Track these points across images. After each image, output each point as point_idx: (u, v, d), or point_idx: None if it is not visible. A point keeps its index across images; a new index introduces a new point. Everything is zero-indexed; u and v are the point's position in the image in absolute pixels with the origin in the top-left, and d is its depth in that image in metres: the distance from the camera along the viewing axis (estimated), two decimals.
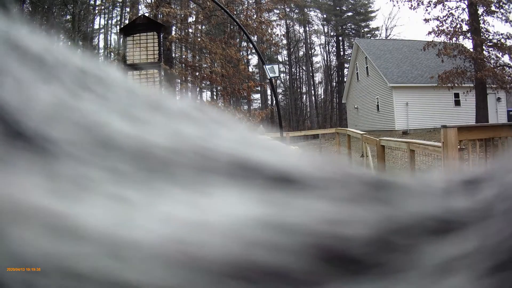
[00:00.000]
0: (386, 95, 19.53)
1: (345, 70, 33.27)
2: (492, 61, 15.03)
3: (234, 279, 0.21)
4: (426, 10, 16.06)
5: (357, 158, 6.88)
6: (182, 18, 14.29)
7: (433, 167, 4.33)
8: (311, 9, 36.44)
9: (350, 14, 36.97)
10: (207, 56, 13.61)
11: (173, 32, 14.27)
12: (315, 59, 37.29)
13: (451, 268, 0.23)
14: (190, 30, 15.88)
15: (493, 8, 15.09)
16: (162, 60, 8.27)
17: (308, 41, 36.03)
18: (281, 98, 34.50)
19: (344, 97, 26.20)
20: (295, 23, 35.84)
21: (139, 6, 16.22)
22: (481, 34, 15.11)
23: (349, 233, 0.24)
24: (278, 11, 25.99)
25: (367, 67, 21.64)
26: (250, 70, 26.41)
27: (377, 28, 36.98)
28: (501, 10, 15.16)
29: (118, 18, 26.75)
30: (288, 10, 32.46)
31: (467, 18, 15.47)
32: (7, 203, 0.21)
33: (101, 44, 28.44)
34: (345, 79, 30.19)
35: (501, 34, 15.22)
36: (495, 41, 15.15)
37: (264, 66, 9.28)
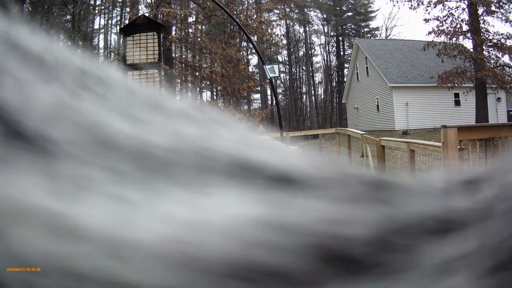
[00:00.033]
0: (386, 95, 19.53)
1: (345, 70, 33.27)
2: (492, 61, 15.03)
3: (234, 279, 0.21)
4: (426, 10, 16.07)
5: (357, 158, 6.88)
6: (182, 18, 14.29)
7: (433, 167, 4.33)
8: (311, 9, 36.46)
9: (350, 14, 36.98)
10: (207, 56, 13.61)
11: (173, 32, 14.27)
12: (315, 59, 37.34)
13: (451, 268, 0.23)
14: (190, 30, 15.89)
15: (493, 8, 15.09)
16: (162, 60, 8.27)
17: (308, 41, 36.05)
18: (281, 98, 34.51)
19: (344, 97, 26.20)
20: (295, 23, 35.86)
21: (139, 6, 16.24)
22: (481, 34, 15.11)
23: (349, 233, 0.24)
24: (278, 11, 26.01)
25: (367, 67, 21.64)
26: (250, 70, 26.42)
27: (377, 28, 37.01)
28: (501, 10, 15.17)
29: (118, 18, 26.77)
30: (288, 10, 32.46)
31: (467, 18, 15.47)
32: (7, 203, 0.21)
33: (101, 44, 28.47)
34: (345, 79, 30.20)
35: (501, 34, 15.24)
36: (495, 41, 15.16)
37: (264, 66, 9.28)
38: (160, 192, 0.24)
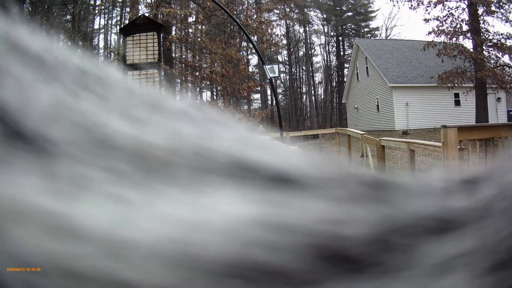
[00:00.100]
0: (386, 95, 19.53)
1: (345, 70, 33.27)
2: (492, 61, 15.04)
3: (233, 279, 0.21)
4: (426, 10, 16.09)
5: (357, 158, 6.88)
6: (182, 18, 14.29)
7: (433, 167, 4.33)
8: (311, 9, 36.47)
9: (350, 14, 36.97)
10: (207, 56, 13.61)
11: (173, 32, 14.27)
12: (315, 59, 37.35)
13: (449, 267, 0.23)
14: (190, 30, 15.89)
15: (493, 8, 15.09)
16: (162, 60, 8.27)
17: (308, 41, 36.05)
18: (281, 98, 34.51)
19: (344, 97, 26.19)
20: (295, 23, 35.86)
21: (139, 6, 16.22)
22: (481, 34, 15.12)
23: (348, 232, 0.24)
24: (278, 11, 26.04)
25: (367, 67, 21.64)
26: (250, 70, 26.42)
27: (377, 28, 37.02)
28: (501, 10, 15.17)
29: (118, 18, 26.77)
30: (288, 10, 32.45)
31: (467, 18, 15.48)
32: (7, 203, 0.21)
33: (101, 44, 28.48)
34: (345, 79, 30.19)
35: (501, 34, 15.25)
36: (495, 41, 15.16)
37: (264, 66, 9.28)
38: (159, 192, 0.24)
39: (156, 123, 0.30)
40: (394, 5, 29.53)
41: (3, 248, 0.20)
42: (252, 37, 12.28)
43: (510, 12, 15.17)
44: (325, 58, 36.43)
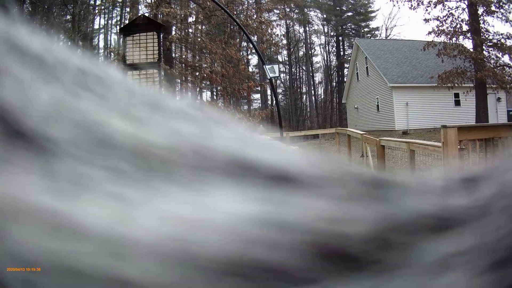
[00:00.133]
0: (386, 95, 19.53)
1: (345, 70, 33.27)
2: (492, 61, 15.04)
3: (232, 277, 0.21)
4: (426, 10, 16.08)
5: (357, 158, 6.88)
6: (182, 18, 14.29)
7: (433, 167, 4.33)
8: (311, 9, 36.47)
9: (350, 14, 36.98)
10: (207, 56, 13.61)
11: (173, 32, 14.27)
12: (315, 59, 37.35)
13: (448, 266, 0.23)
14: (190, 30, 15.89)
15: (493, 8, 15.09)
16: (162, 60, 8.28)
17: (308, 41, 36.06)
18: (281, 98, 34.51)
19: (344, 97, 26.20)
20: (295, 23, 35.87)
21: (139, 6, 16.21)
22: (481, 34, 15.12)
23: (347, 230, 0.24)
24: (278, 11, 26.03)
25: (367, 67, 21.64)
26: (250, 70, 26.42)
27: (377, 28, 37.02)
28: (501, 10, 15.17)
29: (118, 18, 26.77)
30: (288, 10, 32.46)
31: (467, 18, 15.48)
32: (8, 202, 0.22)
33: (101, 44, 28.48)
34: (345, 79, 30.20)
35: (501, 34, 15.25)
36: (495, 41, 15.16)
37: (264, 66, 9.28)
38: (159, 191, 0.24)
39: (156, 123, 0.30)
40: (394, 5, 29.59)
41: (3, 247, 0.21)
42: (252, 37, 12.28)
43: (510, 12, 15.18)
44: (325, 58, 36.48)
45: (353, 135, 8.10)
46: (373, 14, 36.94)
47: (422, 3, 16.06)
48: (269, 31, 14.25)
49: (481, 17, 15.25)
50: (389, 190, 0.28)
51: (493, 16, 15.35)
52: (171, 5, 13.36)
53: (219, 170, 0.26)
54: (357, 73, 23.26)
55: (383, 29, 37.70)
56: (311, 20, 36.42)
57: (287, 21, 34.25)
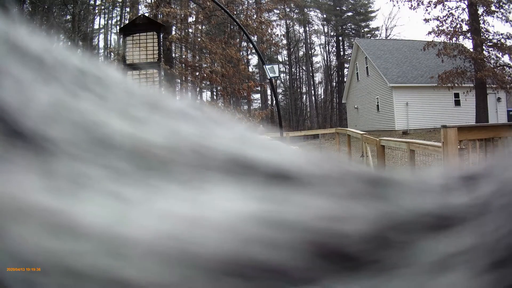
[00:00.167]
0: (386, 95, 19.53)
1: (345, 70, 33.27)
2: (492, 61, 15.04)
3: (231, 277, 0.21)
4: (426, 10, 16.09)
5: (357, 158, 6.88)
6: (182, 18, 14.29)
7: (433, 167, 4.32)
8: (311, 9, 36.47)
9: (350, 14, 36.97)
10: (207, 56, 13.61)
11: (173, 32, 14.27)
12: (315, 59, 37.35)
13: (448, 265, 0.23)
14: (190, 30, 15.89)
15: (493, 8, 15.09)
16: (162, 60, 8.27)
17: (308, 41, 36.05)
18: (281, 98, 34.51)
19: (344, 97, 26.19)
20: (295, 23, 35.86)
21: (139, 6, 16.21)
22: (481, 34, 15.12)
23: (346, 229, 0.24)
24: (278, 11, 26.02)
25: (367, 67, 21.64)
26: (250, 70, 26.41)
27: (377, 28, 37.02)
28: (501, 10, 15.17)
29: (118, 18, 26.76)
30: (288, 10, 32.46)
31: (467, 18, 15.48)
32: (7, 201, 0.22)
33: (101, 44, 28.48)
34: (345, 79, 30.19)
35: (501, 34, 15.25)
36: (495, 41, 15.16)
37: (264, 66, 9.28)
38: (158, 189, 0.24)
39: (155, 122, 0.30)
40: (394, 5, 29.62)
41: (3, 247, 0.21)
42: (252, 37, 12.28)
43: (510, 12, 15.19)
44: (325, 58, 36.47)
45: (353, 135, 8.10)
46: (373, 14, 36.97)
47: (422, 3, 16.07)
48: (269, 31, 14.25)
49: (481, 17, 15.25)
50: (389, 188, 0.27)
51: (493, 16, 15.35)
52: (171, 5, 13.35)
53: (218, 169, 0.26)
54: (357, 73, 23.25)
55: (383, 29, 37.74)
56: (311, 20, 36.44)
57: (287, 21, 34.25)
